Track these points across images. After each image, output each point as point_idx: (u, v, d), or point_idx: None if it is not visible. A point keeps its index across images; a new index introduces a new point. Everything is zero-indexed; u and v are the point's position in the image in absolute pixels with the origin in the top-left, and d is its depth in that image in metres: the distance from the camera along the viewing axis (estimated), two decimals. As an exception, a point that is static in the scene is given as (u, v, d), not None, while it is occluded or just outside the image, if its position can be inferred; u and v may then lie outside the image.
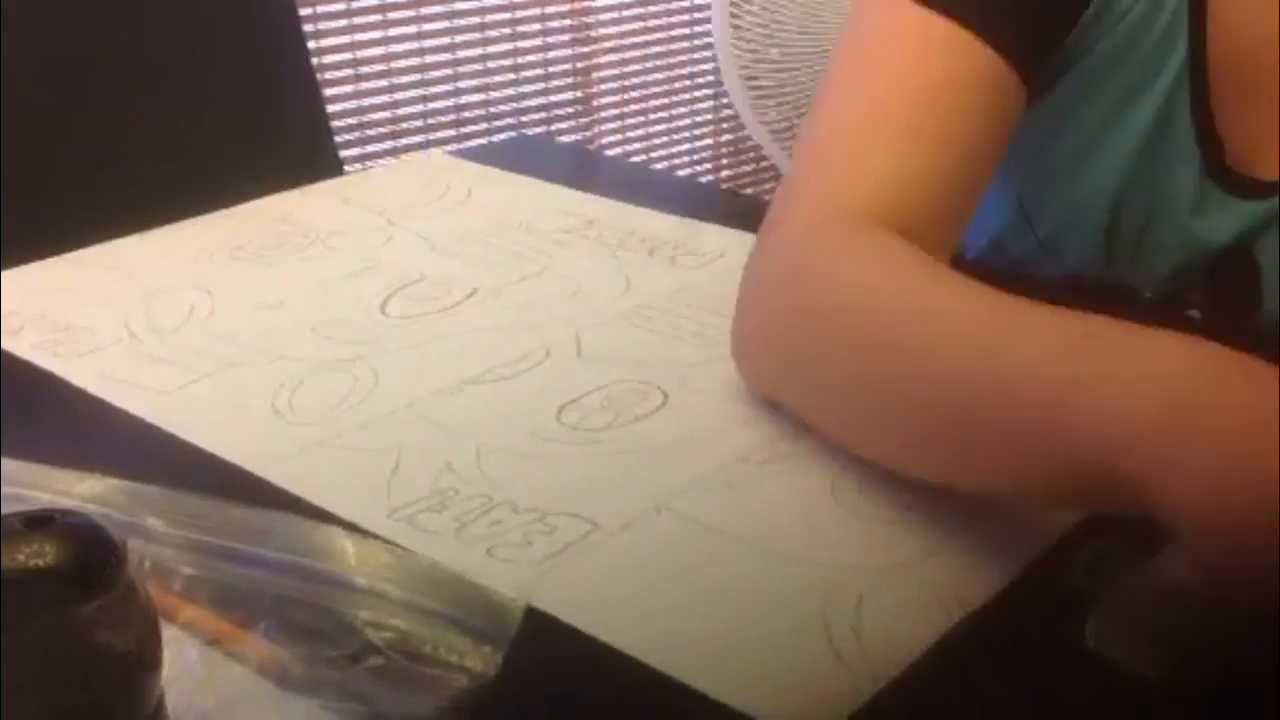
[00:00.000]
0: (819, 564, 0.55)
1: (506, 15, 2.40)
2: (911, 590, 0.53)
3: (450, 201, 0.95)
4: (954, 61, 0.68)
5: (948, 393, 0.54)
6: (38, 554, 0.41)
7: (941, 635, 0.51)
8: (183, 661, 0.47)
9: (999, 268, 0.86)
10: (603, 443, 0.64)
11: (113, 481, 0.55)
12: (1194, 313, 0.82)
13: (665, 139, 2.63)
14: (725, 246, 0.86)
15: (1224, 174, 0.77)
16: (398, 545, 0.54)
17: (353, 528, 0.56)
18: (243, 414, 0.67)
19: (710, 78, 2.60)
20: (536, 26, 2.44)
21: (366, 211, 0.93)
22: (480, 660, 0.48)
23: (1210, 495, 0.43)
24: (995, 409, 0.52)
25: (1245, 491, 0.42)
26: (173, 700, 0.44)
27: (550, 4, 2.45)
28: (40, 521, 0.42)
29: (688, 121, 2.63)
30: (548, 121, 2.47)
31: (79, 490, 0.55)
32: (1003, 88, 0.70)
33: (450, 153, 1.09)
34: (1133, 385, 0.47)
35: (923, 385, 0.55)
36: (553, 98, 2.47)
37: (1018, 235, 0.85)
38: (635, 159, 2.56)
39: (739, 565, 0.55)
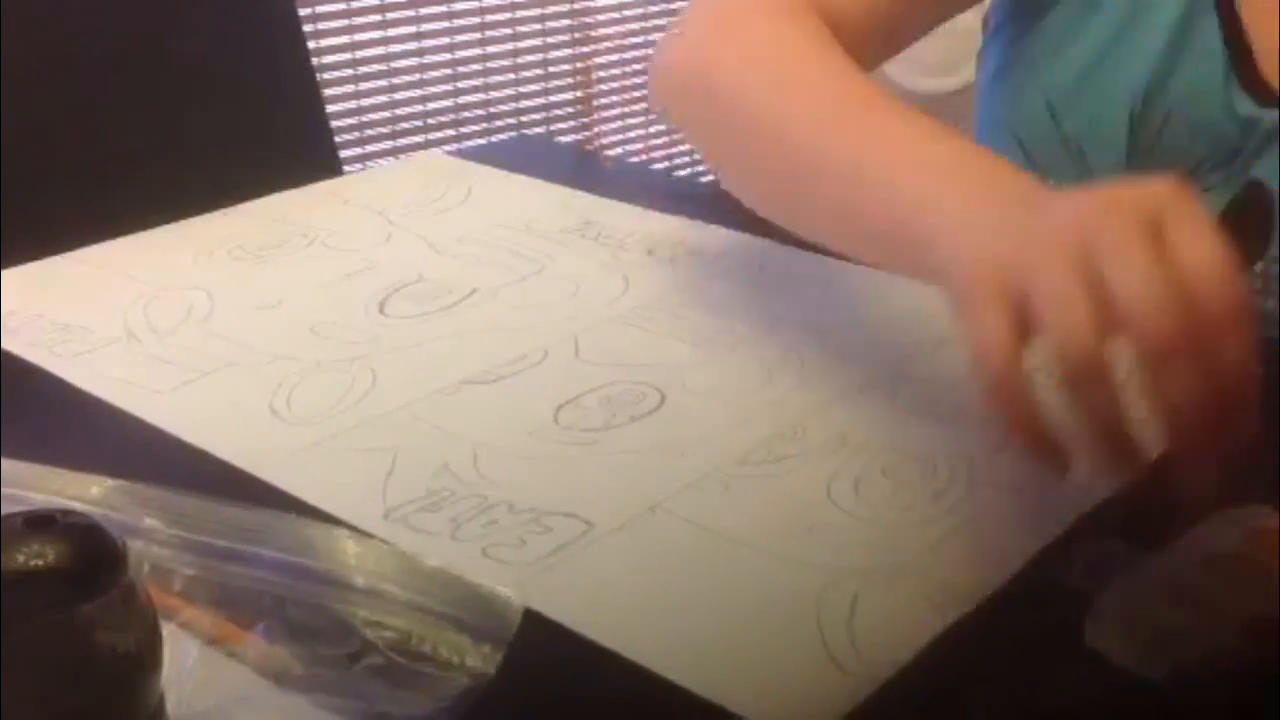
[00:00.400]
0: (814, 565, 0.55)
1: (506, 15, 2.40)
2: (906, 591, 0.54)
3: (450, 202, 0.95)
4: None
5: (814, 167, 0.67)
6: (38, 554, 0.41)
7: (936, 636, 0.51)
8: (182, 661, 0.47)
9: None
10: (599, 443, 0.64)
11: (110, 482, 0.55)
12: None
13: (665, 139, 2.63)
14: (725, 247, 0.86)
15: (1253, 81, 0.79)
16: (397, 549, 0.54)
17: (350, 528, 0.56)
18: (240, 413, 0.67)
19: (710, 78, 2.60)
20: (536, 26, 2.45)
21: (366, 212, 0.93)
22: (480, 659, 0.48)
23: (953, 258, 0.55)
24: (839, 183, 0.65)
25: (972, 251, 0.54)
26: (172, 700, 0.44)
27: (550, 4, 2.45)
28: (41, 522, 0.42)
29: (688, 121, 2.62)
30: (547, 122, 2.47)
31: (76, 491, 0.55)
32: None
33: (450, 153, 1.09)
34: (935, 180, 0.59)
35: (789, 156, 0.68)
36: (552, 98, 2.48)
37: (1043, 134, 0.86)
38: (635, 159, 2.56)
39: (734, 566, 0.55)
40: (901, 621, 0.52)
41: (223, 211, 0.92)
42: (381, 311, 0.78)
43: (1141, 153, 0.84)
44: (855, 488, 0.60)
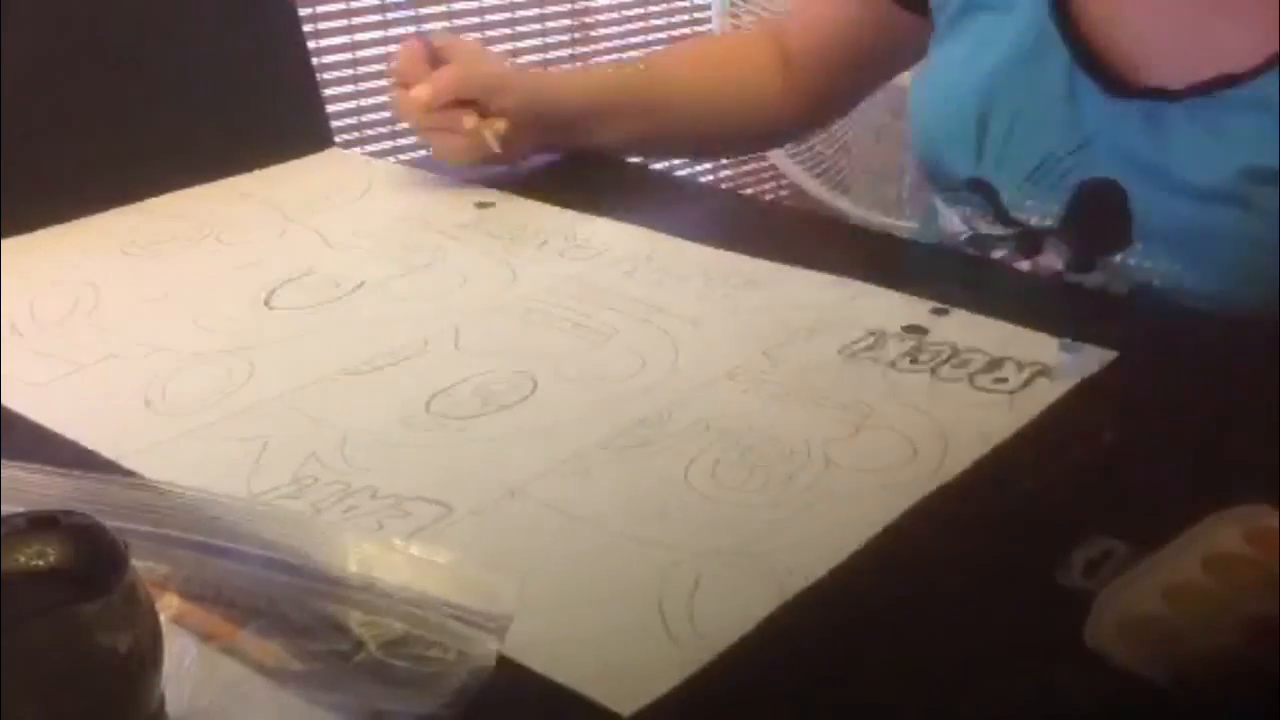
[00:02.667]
0: (661, 545, 0.56)
1: (506, 15, 2.39)
2: (748, 569, 0.54)
3: (348, 197, 0.96)
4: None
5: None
6: (40, 554, 0.41)
7: (774, 610, 0.52)
8: (180, 659, 0.47)
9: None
10: (466, 430, 0.65)
11: (101, 484, 0.55)
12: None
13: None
14: (613, 240, 0.87)
15: (1098, 69, 0.83)
16: (394, 543, 0.54)
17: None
18: (115, 406, 0.68)
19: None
20: (536, 27, 2.44)
21: (264, 207, 0.93)
22: (480, 650, 0.48)
23: None
24: None
25: None
26: (170, 697, 0.44)
27: (550, 4, 2.45)
28: (43, 522, 0.42)
29: (688, 121, 2.60)
30: (548, 121, 2.45)
31: (62, 492, 0.54)
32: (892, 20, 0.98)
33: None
34: None
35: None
36: (553, 97, 2.46)
37: (919, 132, 0.93)
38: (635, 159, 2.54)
39: (582, 548, 0.56)
40: (741, 598, 0.53)
41: (121, 209, 0.92)
42: (267, 304, 0.79)
43: (988, 155, 0.87)
44: (713, 471, 0.61)
